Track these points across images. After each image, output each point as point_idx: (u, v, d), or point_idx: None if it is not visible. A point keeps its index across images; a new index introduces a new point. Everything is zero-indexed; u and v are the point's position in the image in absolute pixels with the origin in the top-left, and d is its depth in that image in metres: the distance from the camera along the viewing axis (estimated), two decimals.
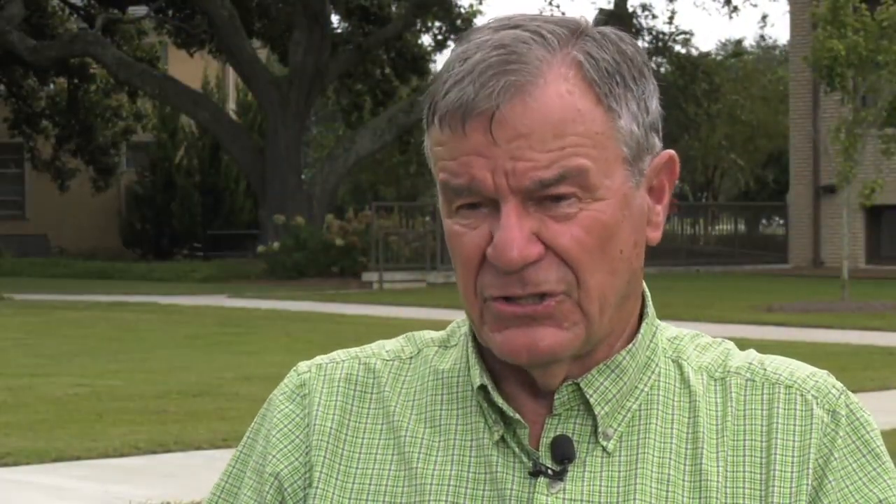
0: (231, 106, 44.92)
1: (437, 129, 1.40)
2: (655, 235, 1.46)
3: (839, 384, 1.49)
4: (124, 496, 7.98)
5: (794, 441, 1.44)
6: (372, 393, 1.53)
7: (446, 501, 1.45)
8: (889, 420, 9.25)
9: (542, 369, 1.43)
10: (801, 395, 1.47)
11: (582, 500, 1.43)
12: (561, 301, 1.39)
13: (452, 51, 1.44)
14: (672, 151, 1.47)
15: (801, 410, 1.46)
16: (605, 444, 1.44)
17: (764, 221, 43.91)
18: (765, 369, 1.49)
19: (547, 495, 1.43)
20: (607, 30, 1.43)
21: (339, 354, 1.57)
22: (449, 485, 1.46)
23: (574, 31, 1.41)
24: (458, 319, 1.55)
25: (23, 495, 8.16)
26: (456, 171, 1.39)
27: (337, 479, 1.49)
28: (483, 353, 1.47)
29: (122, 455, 9.19)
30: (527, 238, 1.36)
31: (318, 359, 1.57)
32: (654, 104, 1.45)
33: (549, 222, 1.37)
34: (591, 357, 1.45)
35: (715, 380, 1.49)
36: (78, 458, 9.08)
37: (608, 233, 1.39)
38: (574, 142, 1.37)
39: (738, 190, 54.10)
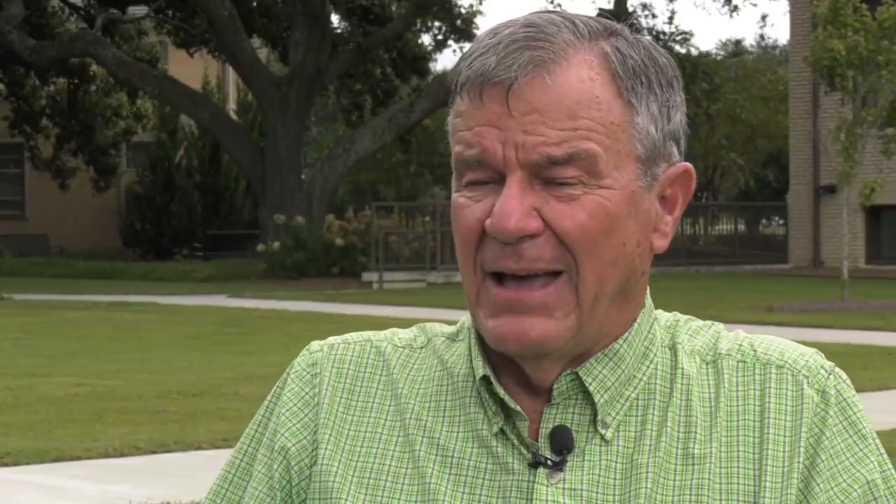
0: (231, 106, 44.88)
1: (459, 99, 1.43)
2: (661, 244, 1.47)
3: (828, 363, 1.51)
4: (124, 496, 7.99)
5: (786, 421, 1.46)
6: (381, 374, 1.55)
7: (448, 489, 1.46)
8: (889, 420, 9.25)
9: (533, 363, 1.44)
10: (793, 374, 1.49)
11: (582, 490, 1.44)
12: (558, 286, 1.39)
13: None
14: (689, 164, 1.48)
15: (793, 391, 1.48)
16: (603, 432, 1.45)
17: (764, 221, 43.91)
18: (755, 350, 1.51)
19: (547, 486, 1.44)
20: (644, 37, 1.46)
21: (351, 336, 1.59)
22: (451, 474, 1.47)
23: (608, 28, 1.44)
24: (466, 316, 1.56)
25: (23, 495, 8.16)
26: (470, 142, 1.41)
27: (341, 456, 1.51)
28: (485, 346, 1.48)
29: (122, 455, 9.18)
30: (526, 210, 1.38)
31: (331, 339, 1.59)
32: (678, 117, 1.46)
33: (552, 202, 1.39)
34: (589, 355, 1.46)
35: (707, 363, 1.50)
36: (78, 458, 9.07)
37: (610, 221, 1.40)
38: (587, 125, 1.38)
39: (738, 190, 54.10)
